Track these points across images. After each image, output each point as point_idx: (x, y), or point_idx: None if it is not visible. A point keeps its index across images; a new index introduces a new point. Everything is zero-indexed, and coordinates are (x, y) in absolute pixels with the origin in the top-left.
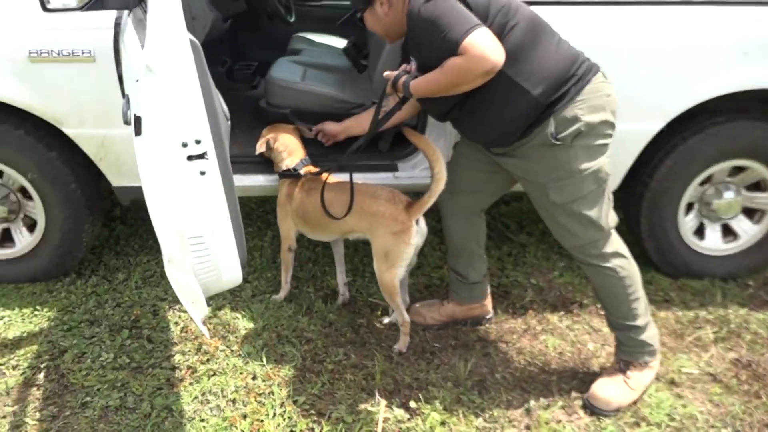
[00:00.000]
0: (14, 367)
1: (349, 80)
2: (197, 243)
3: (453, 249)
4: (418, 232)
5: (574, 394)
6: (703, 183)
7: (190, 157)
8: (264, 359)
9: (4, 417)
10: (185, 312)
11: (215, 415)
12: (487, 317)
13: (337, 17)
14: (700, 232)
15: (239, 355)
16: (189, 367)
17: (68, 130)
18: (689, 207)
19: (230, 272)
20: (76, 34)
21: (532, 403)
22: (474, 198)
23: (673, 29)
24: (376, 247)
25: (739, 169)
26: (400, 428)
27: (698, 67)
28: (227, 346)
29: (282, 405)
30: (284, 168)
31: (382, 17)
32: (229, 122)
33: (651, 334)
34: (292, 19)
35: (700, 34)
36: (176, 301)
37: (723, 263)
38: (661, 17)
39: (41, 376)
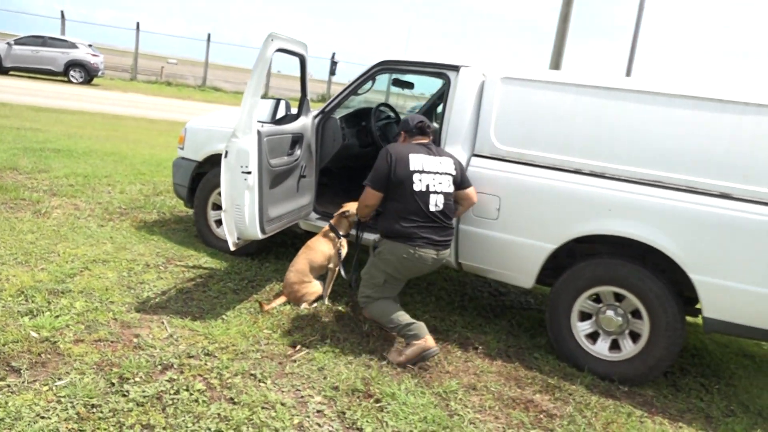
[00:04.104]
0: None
1: None
2: (238, 208)
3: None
4: None
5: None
6: (597, 300)
7: (243, 173)
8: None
9: (200, 285)
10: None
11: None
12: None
13: None
14: (594, 337)
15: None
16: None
17: None
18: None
19: (251, 229)
20: None
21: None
22: None
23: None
24: None
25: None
26: None
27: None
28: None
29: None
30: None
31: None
32: (307, 178)
33: (412, 333)
34: None
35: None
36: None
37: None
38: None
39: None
